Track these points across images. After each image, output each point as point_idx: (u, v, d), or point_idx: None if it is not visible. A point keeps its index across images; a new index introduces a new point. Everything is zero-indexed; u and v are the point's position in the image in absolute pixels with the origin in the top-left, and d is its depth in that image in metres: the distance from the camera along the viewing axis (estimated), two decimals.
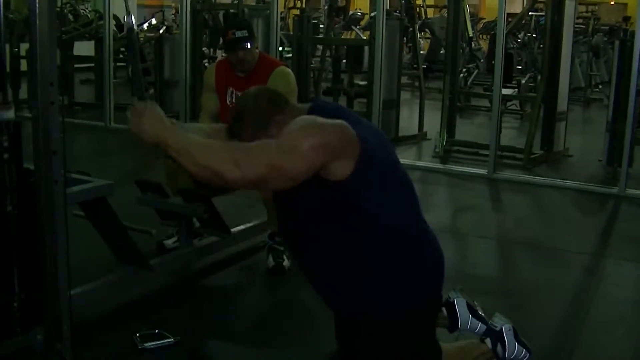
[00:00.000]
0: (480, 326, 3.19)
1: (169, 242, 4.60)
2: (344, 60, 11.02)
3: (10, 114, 2.68)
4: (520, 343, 3.16)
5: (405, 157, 8.16)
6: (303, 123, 2.53)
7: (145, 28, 11.44)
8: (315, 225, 2.69)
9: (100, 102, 10.02)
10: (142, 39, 11.01)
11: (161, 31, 10.61)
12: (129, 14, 2.75)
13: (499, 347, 3.13)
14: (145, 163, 7.36)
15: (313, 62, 10.75)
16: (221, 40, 4.82)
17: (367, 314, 2.72)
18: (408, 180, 2.83)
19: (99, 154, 8.43)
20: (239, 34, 4.42)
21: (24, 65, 10.55)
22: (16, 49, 10.76)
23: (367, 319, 2.72)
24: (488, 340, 3.14)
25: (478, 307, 3.23)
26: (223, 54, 4.70)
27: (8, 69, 10.25)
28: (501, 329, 3.14)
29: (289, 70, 4.66)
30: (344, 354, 3.05)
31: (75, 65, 11.58)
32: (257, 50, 4.56)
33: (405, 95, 11.34)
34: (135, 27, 2.86)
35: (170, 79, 10.12)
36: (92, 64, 11.58)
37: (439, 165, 7.85)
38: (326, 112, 2.67)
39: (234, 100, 4.52)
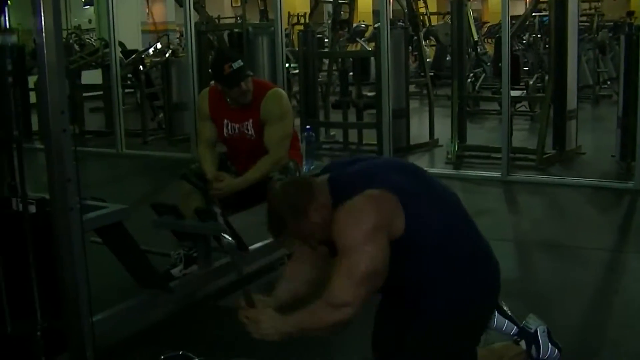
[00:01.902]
0: (511, 326, 3.21)
1: (176, 271, 4.47)
2: (351, 73, 11.02)
3: (13, 38, 2.72)
4: (553, 343, 3.18)
5: (419, 165, 8.15)
6: (350, 220, 2.60)
7: (151, 53, 11.46)
8: (398, 285, 2.76)
9: (111, 129, 10.06)
10: (148, 63, 11.04)
11: (167, 55, 10.66)
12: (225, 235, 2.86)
13: (533, 349, 3.15)
14: (159, 186, 7.39)
15: (320, 76, 10.77)
16: (214, 78, 4.59)
17: (425, 319, 2.76)
18: (450, 195, 2.90)
19: (112, 180, 8.44)
20: (236, 65, 4.24)
21: (32, 97, 10.62)
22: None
23: (424, 328, 2.76)
24: (523, 342, 3.16)
25: (505, 307, 3.24)
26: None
27: None
28: (536, 330, 3.17)
29: (281, 91, 4.54)
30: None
31: (84, 94, 11.61)
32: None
33: (414, 104, 11.33)
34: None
35: (178, 102, 10.14)
36: (101, 92, 11.62)
37: (452, 171, 7.84)
38: (344, 181, 2.75)
39: (230, 132, 4.44)
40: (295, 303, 2.88)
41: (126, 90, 11.78)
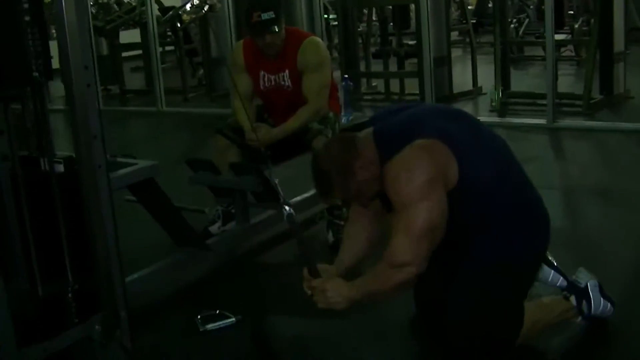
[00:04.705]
0: (557, 277, 3.08)
1: (215, 228, 4.42)
2: (391, 22, 10.86)
3: None
4: (606, 297, 3.05)
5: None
6: (403, 175, 2.53)
7: (189, 9, 11.38)
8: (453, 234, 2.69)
9: (151, 87, 10.04)
10: (186, 20, 10.96)
11: (204, 10, 10.56)
12: (284, 206, 2.85)
13: (584, 304, 3.02)
14: (199, 143, 7.35)
15: (360, 26, 10.61)
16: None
17: (473, 266, 2.74)
18: (499, 140, 2.89)
19: (152, 138, 8.44)
20: (265, 16, 4.08)
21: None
22: None
23: (473, 270, 2.74)
24: (573, 298, 3.03)
25: (551, 257, 3.12)
26: None
27: None
28: (586, 285, 3.04)
29: (317, 39, 4.41)
30: (424, 315, 3.11)
31: (124, 54, 11.57)
32: (283, 31, 4.23)
33: (457, 52, 11.13)
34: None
35: (217, 57, 10.09)
36: (141, 51, 11.57)
37: (497, 119, 7.65)
38: (390, 133, 2.68)
39: (267, 84, 4.33)
40: (359, 266, 2.88)
41: (166, 48, 11.72)
